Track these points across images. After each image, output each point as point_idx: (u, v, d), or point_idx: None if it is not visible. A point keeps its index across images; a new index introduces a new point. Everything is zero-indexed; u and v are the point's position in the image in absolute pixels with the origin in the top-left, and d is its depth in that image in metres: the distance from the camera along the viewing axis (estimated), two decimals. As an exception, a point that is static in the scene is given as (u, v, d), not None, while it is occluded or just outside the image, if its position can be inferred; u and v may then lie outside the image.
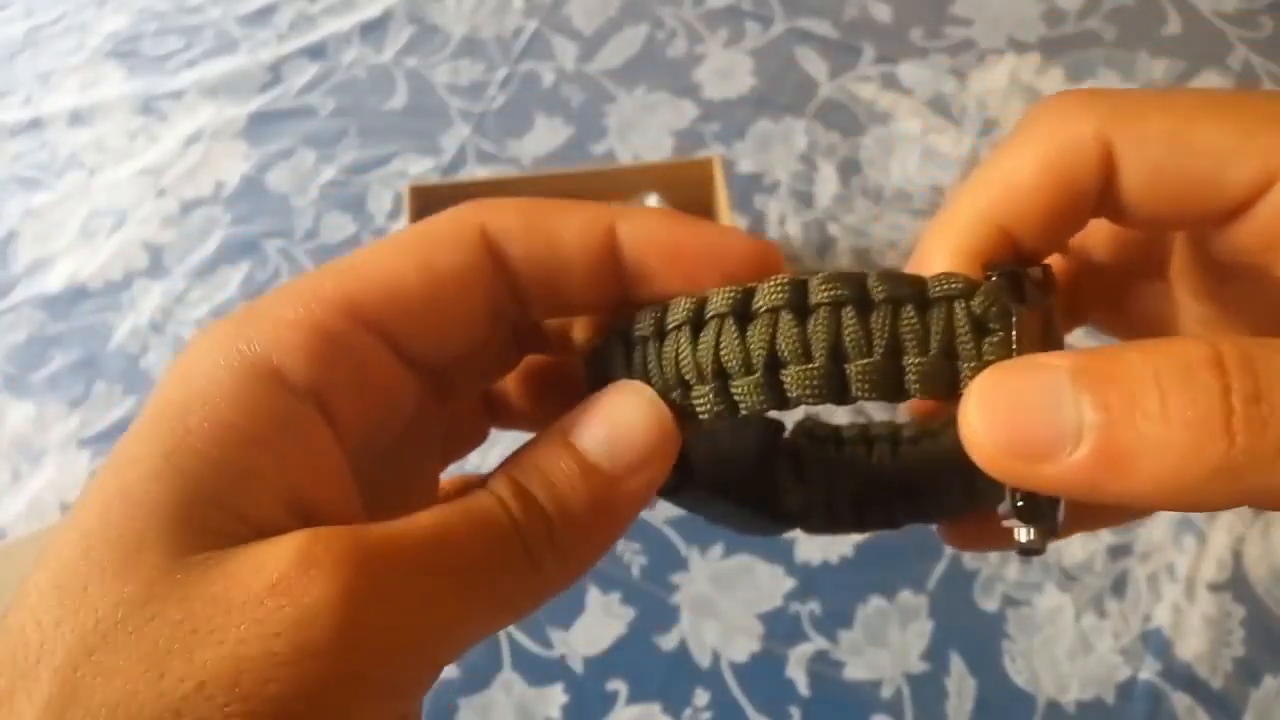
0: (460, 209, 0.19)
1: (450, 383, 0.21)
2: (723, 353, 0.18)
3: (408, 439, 0.20)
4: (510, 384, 0.24)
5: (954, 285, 0.17)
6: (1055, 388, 0.15)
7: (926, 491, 0.23)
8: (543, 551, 0.18)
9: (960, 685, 0.60)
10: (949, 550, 0.64)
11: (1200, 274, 0.22)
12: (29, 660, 0.15)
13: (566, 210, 0.20)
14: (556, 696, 0.60)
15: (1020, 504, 0.18)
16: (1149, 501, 0.14)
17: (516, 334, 0.22)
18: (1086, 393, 0.14)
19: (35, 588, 0.15)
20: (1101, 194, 0.18)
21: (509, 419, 0.25)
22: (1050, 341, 0.18)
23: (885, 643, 0.61)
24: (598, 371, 0.20)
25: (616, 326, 0.20)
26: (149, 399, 0.17)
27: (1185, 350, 0.14)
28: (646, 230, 0.19)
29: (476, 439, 0.25)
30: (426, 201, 0.75)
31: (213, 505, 0.16)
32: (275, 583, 0.15)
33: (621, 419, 0.19)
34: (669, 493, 0.21)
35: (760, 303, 0.18)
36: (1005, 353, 0.17)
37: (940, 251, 0.19)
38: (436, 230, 0.19)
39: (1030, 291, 0.18)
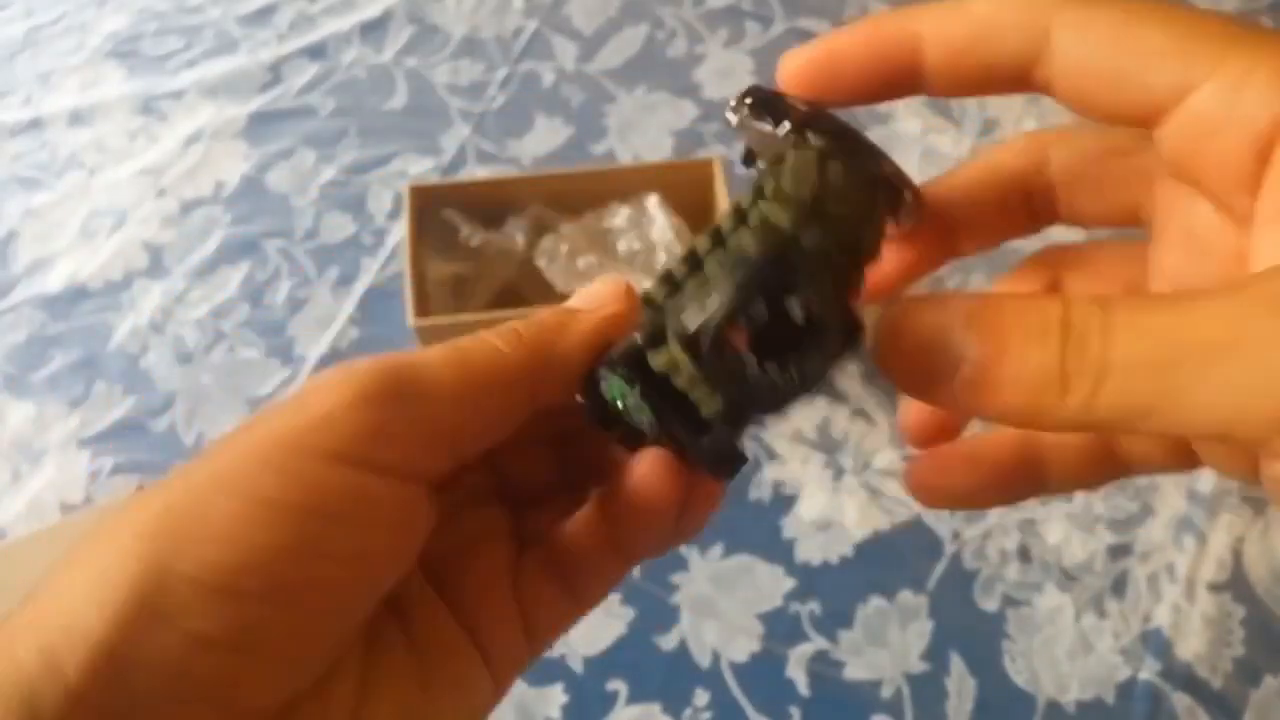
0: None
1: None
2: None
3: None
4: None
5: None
6: (950, 325, 0.18)
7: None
8: (525, 343, 0.22)
9: (960, 685, 0.60)
10: (949, 550, 0.64)
11: (1169, 221, 0.23)
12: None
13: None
14: (556, 696, 0.60)
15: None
16: (1008, 421, 0.18)
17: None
18: (974, 331, 0.18)
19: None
20: (1031, 66, 0.20)
21: (586, 474, 0.26)
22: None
23: (885, 643, 0.61)
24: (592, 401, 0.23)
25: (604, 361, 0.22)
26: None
27: (1046, 306, 0.17)
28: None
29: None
30: (426, 201, 0.75)
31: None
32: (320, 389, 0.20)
33: (593, 289, 0.23)
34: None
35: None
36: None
37: (853, 30, 0.22)
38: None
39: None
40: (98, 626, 0.17)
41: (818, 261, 0.20)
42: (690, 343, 0.20)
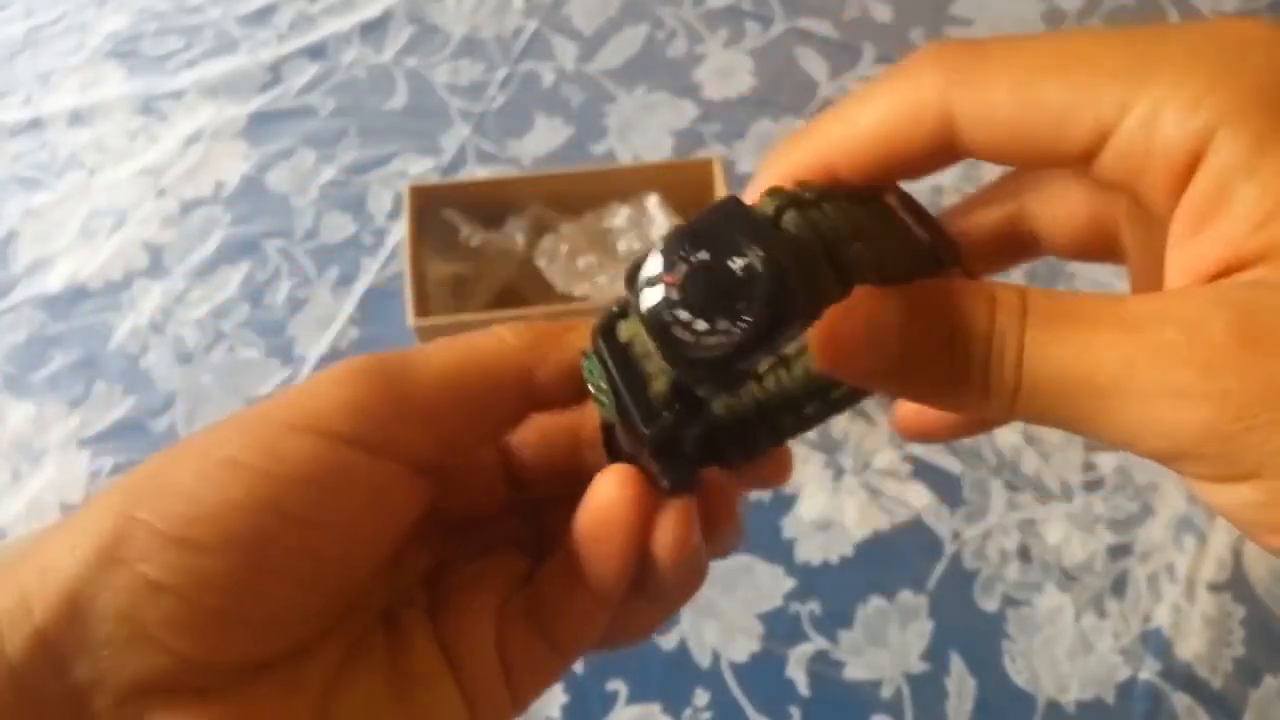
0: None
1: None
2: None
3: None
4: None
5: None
6: (885, 318, 0.19)
7: (795, 408, 0.24)
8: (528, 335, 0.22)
9: (960, 685, 0.60)
10: (949, 550, 0.64)
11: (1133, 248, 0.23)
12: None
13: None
14: (556, 696, 0.60)
15: None
16: (936, 406, 0.20)
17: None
18: (907, 327, 0.18)
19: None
20: (950, 147, 0.20)
21: (532, 488, 0.26)
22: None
23: (885, 643, 0.61)
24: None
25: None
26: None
27: (974, 312, 0.18)
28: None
29: (491, 512, 0.26)
30: (426, 201, 0.75)
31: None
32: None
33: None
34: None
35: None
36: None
37: (767, 170, 0.22)
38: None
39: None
40: (66, 570, 0.18)
41: (784, 239, 0.18)
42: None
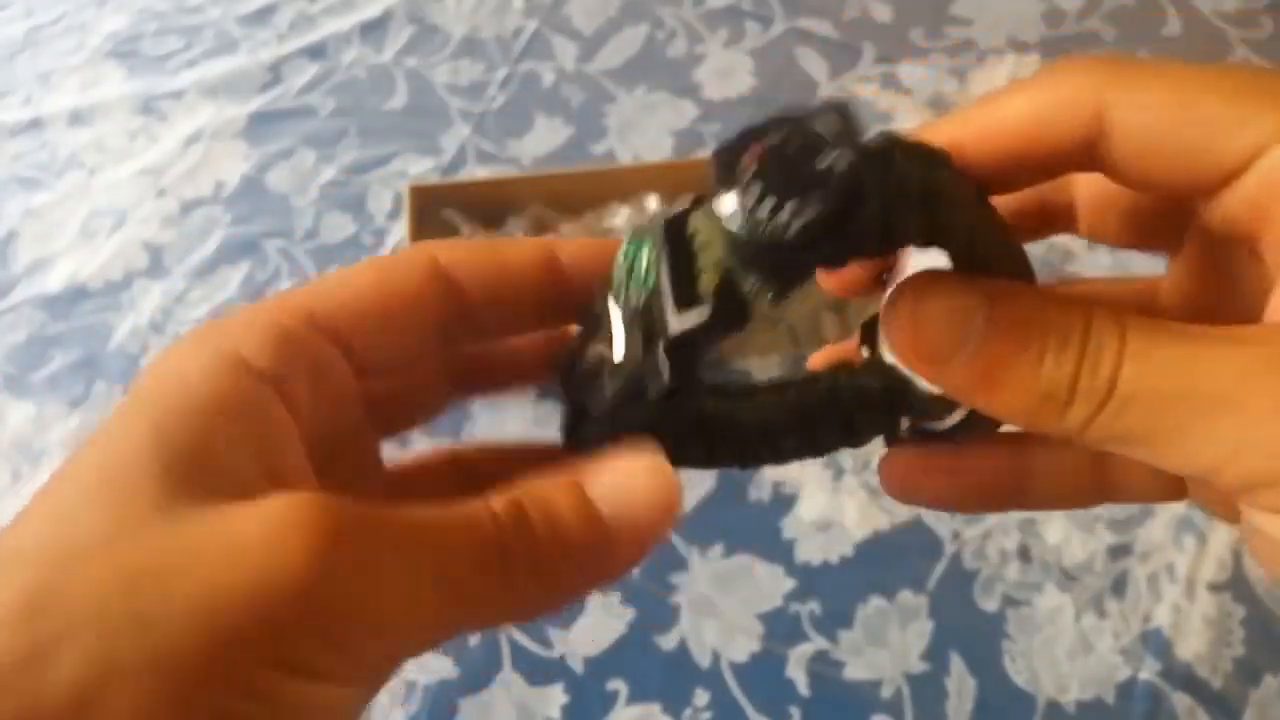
0: (418, 245, 0.22)
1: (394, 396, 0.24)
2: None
3: (352, 428, 0.23)
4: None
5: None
6: (972, 310, 0.18)
7: (810, 430, 0.24)
8: (519, 569, 0.18)
9: (960, 685, 0.60)
10: (949, 550, 0.64)
11: (1197, 251, 0.22)
12: (2, 563, 0.16)
13: (510, 241, 0.23)
14: (556, 696, 0.60)
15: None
16: (1000, 415, 0.19)
17: (458, 370, 0.25)
18: (994, 324, 0.18)
19: (22, 518, 0.17)
20: (1090, 152, 0.19)
21: (476, 388, 0.26)
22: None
23: (885, 643, 0.61)
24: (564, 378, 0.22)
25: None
26: (131, 390, 0.19)
27: (1070, 319, 0.17)
28: (581, 252, 0.22)
29: (431, 412, 0.26)
30: (426, 201, 0.75)
31: (198, 467, 0.17)
32: (255, 537, 0.16)
33: (632, 475, 0.20)
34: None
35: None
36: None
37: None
38: (393, 259, 0.22)
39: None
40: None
41: (875, 153, 0.17)
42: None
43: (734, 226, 0.17)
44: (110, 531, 0.16)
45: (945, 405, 0.23)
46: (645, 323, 0.19)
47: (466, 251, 0.22)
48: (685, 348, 0.19)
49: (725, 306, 0.18)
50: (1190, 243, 0.23)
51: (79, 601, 0.15)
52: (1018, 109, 0.20)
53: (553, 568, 0.19)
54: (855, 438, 0.24)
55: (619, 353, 0.20)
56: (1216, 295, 0.22)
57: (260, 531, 0.16)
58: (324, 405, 0.20)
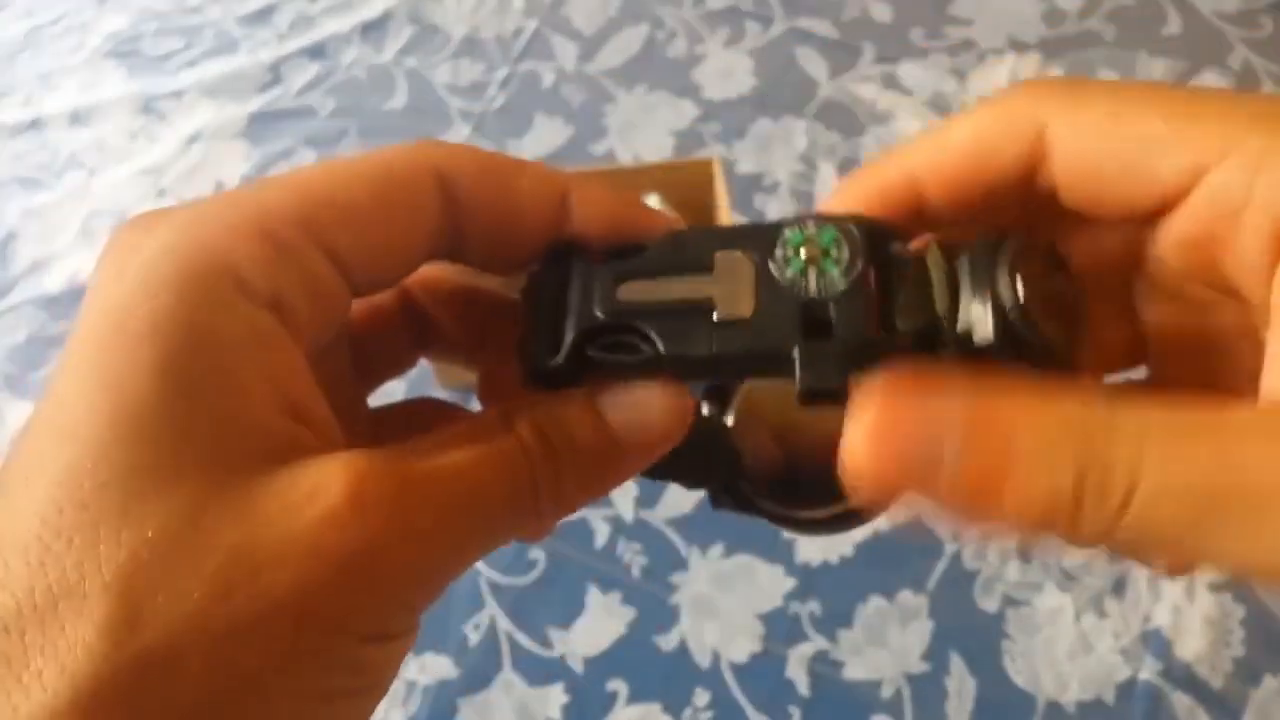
0: (419, 148, 0.20)
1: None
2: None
3: (328, 357, 0.21)
4: (442, 311, 0.24)
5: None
6: (941, 423, 0.16)
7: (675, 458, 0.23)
8: (547, 498, 0.19)
9: (960, 685, 0.60)
10: (949, 550, 0.64)
11: (1149, 291, 0.21)
12: (70, 579, 0.14)
13: (522, 167, 0.20)
14: (556, 696, 0.60)
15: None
16: (1004, 529, 0.17)
17: (417, 323, 0.24)
18: (969, 437, 0.16)
19: (39, 512, 0.15)
20: (1032, 174, 0.19)
21: (438, 348, 0.25)
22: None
23: (885, 643, 0.61)
24: (535, 298, 0.21)
25: (554, 255, 0.21)
26: (94, 305, 0.17)
27: (1061, 414, 0.16)
28: (593, 200, 0.21)
29: (401, 365, 0.25)
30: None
31: (224, 424, 0.16)
32: (331, 515, 0.16)
33: (640, 395, 0.20)
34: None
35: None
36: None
37: (848, 189, 0.21)
38: (393, 163, 0.19)
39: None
40: None
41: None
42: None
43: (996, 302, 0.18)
44: (179, 528, 0.15)
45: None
46: (811, 309, 0.19)
47: (475, 171, 0.20)
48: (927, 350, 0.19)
49: (1010, 341, 0.18)
50: (1144, 281, 0.21)
51: (180, 615, 0.14)
52: (962, 134, 0.20)
53: (572, 490, 0.19)
54: (696, 485, 0.24)
55: (746, 310, 0.20)
56: (1180, 333, 0.21)
57: (321, 514, 0.16)
58: (321, 327, 0.19)
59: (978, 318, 0.18)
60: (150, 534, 0.15)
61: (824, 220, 0.20)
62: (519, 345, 0.21)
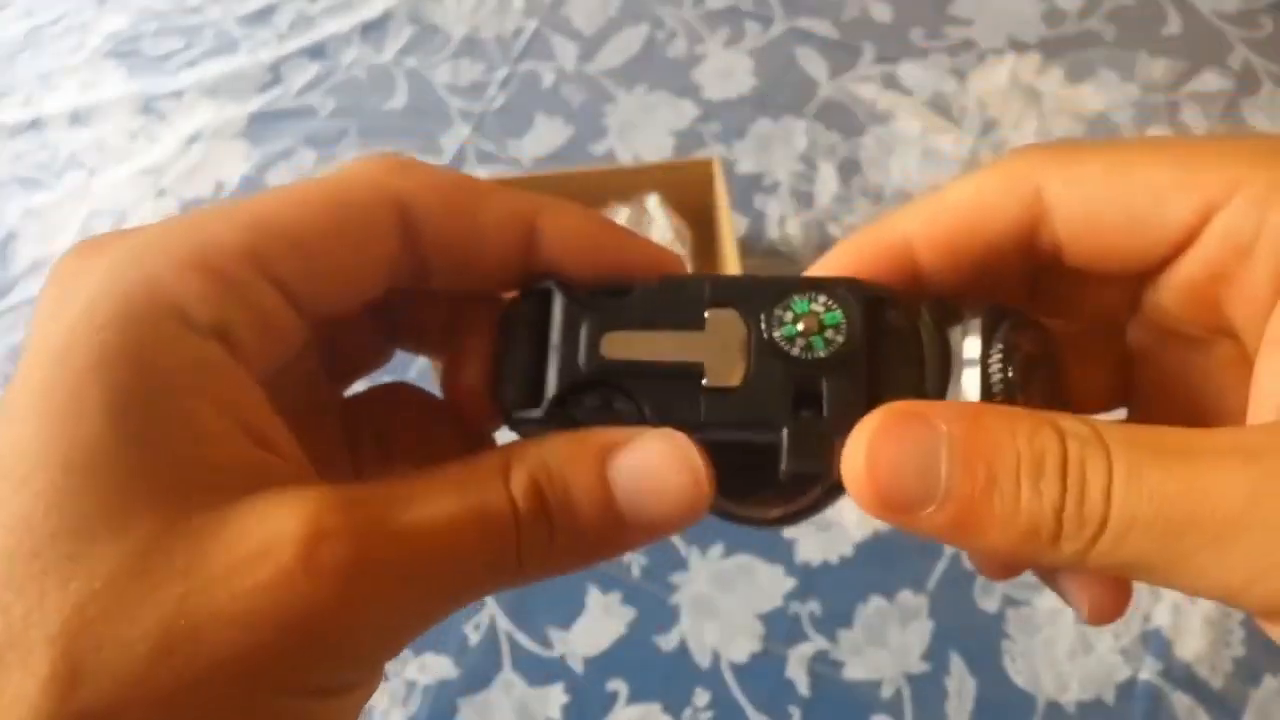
0: (377, 171, 0.19)
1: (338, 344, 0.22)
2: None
3: (292, 369, 0.21)
4: (417, 308, 0.24)
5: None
6: (934, 451, 0.16)
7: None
8: (533, 561, 0.18)
9: (960, 685, 0.60)
10: (949, 550, 0.64)
11: (1145, 338, 0.22)
12: (16, 630, 0.14)
13: (488, 196, 0.20)
14: (556, 696, 0.60)
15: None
16: (988, 554, 0.18)
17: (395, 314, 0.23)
18: (959, 461, 0.16)
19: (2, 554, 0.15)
20: (1030, 235, 0.19)
21: (411, 341, 0.24)
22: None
23: (885, 643, 0.61)
24: (512, 332, 0.21)
25: (535, 287, 0.21)
26: (37, 344, 0.16)
27: (1043, 444, 0.16)
28: (565, 229, 0.20)
29: (378, 361, 0.25)
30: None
31: (181, 461, 0.16)
32: (281, 576, 0.15)
33: (662, 473, 0.18)
34: None
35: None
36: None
37: (845, 251, 0.21)
38: (350, 192, 0.19)
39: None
40: None
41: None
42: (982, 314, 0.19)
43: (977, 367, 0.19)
44: (125, 580, 0.15)
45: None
46: (802, 379, 0.19)
47: (436, 199, 0.19)
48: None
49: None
50: (1137, 332, 0.22)
51: (122, 672, 0.14)
52: (959, 197, 0.20)
53: (562, 558, 0.18)
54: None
55: (736, 378, 0.19)
56: (1165, 375, 0.21)
57: (271, 574, 0.15)
58: (272, 355, 0.18)
59: (968, 396, 0.19)
60: (98, 585, 0.14)
61: (822, 287, 0.20)
62: (494, 382, 0.21)
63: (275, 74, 0.97)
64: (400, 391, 0.24)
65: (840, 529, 0.66)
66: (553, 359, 0.20)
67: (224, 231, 0.17)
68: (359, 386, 0.25)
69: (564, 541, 0.18)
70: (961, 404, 0.18)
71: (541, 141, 0.90)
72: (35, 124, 0.95)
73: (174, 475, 0.15)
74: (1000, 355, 0.19)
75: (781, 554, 0.65)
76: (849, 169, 0.85)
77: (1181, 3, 0.95)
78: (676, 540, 0.65)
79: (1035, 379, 0.19)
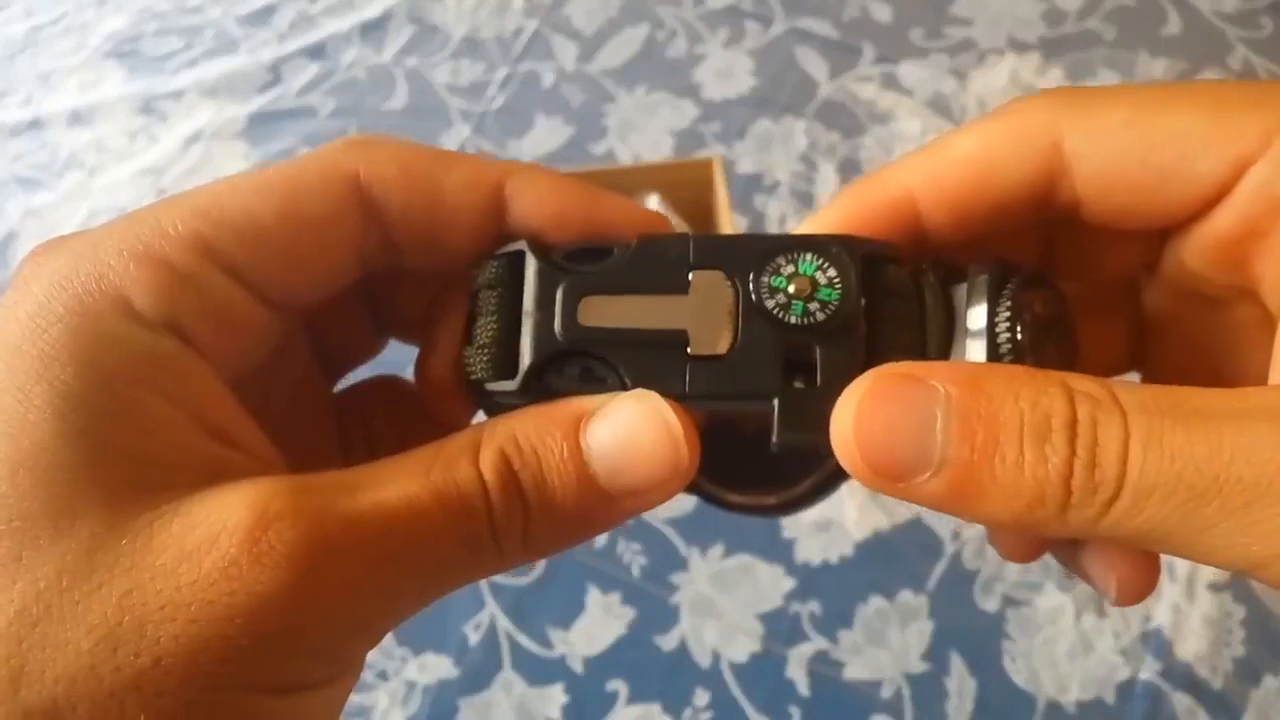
0: (333, 151, 0.19)
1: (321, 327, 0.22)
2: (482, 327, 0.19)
3: (279, 365, 0.20)
4: (401, 294, 0.23)
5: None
6: (929, 413, 0.15)
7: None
8: (511, 541, 0.17)
9: (960, 685, 0.60)
10: (949, 550, 0.64)
11: (1165, 297, 0.20)
12: None
13: (450, 163, 0.19)
14: (556, 696, 0.60)
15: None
16: (991, 524, 0.16)
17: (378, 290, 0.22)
18: (956, 424, 0.15)
19: None
20: (1050, 191, 0.18)
21: (401, 330, 0.24)
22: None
23: (885, 643, 0.61)
24: (482, 300, 0.20)
25: (507, 252, 0.20)
26: None
27: (1049, 404, 0.15)
28: (535, 192, 0.19)
29: (370, 351, 0.24)
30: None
31: (130, 459, 0.15)
32: (227, 565, 0.15)
33: (636, 437, 0.17)
34: None
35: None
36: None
37: (841, 204, 0.19)
38: (303, 174, 0.18)
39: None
40: None
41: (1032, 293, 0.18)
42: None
43: (983, 333, 0.18)
44: (69, 579, 0.14)
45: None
46: (794, 346, 0.18)
47: (397, 174, 0.18)
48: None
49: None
50: (1154, 292, 0.20)
51: (65, 670, 0.14)
52: (966, 148, 0.18)
53: (543, 536, 0.17)
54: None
55: (723, 345, 0.18)
56: (1184, 334, 0.20)
57: (215, 564, 0.14)
58: (237, 349, 0.18)
59: (972, 360, 0.18)
60: (42, 585, 0.14)
61: (814, 246, 0.18)
62: (463, 354, 0.19)
63: (275, 74, 0.97)
64: (391, 385, 0.24)
65: (840, 529, 0.66)
66: (527, 327, 0.18)
67: (170, 221, 0.17)
68: (354, 377, 0.24)
69: (541, 517, 0.17)
70: (960, 364, 0.16)
71: (541, 141, 0.90)
72: (35, 124, 0.95)
73: (122, 471, 0.15)
74: (1008, 316, 0.17)
75: (781, 554, 0.65)
76: (849, 169, 0.85)
77: (1181, 3, 0.95)
78: (677, 541, 0.65)
79: (1047, 342, 0.18)
